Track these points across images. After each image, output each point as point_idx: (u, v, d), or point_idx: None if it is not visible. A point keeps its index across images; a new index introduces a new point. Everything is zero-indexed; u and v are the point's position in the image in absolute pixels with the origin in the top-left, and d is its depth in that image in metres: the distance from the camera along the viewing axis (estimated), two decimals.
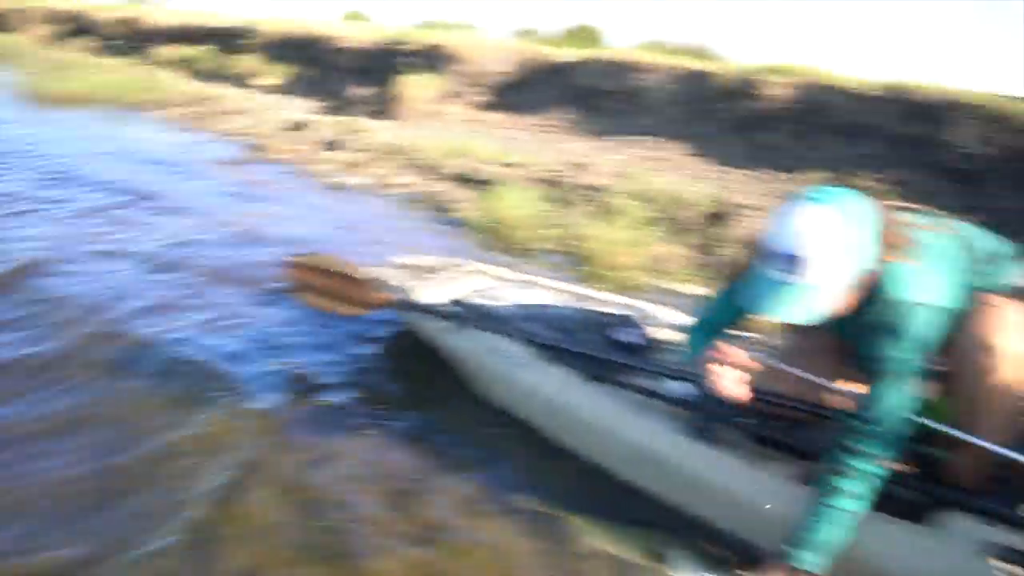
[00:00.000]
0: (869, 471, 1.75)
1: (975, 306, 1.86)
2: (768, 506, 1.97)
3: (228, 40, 14.52)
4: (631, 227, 4.65)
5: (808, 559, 1.76)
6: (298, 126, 8.69)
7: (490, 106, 10.13)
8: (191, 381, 2.74)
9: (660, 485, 2.22)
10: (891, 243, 1.74)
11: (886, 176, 7.02)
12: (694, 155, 7.87)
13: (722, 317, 2.12)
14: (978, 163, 6.85)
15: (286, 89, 12.36)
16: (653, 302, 3.12)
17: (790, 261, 1.65)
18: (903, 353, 1.71)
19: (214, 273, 3.85)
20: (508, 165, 7.00)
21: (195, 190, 5.75)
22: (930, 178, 6.98)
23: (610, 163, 7.36)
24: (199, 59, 14.35)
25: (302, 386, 2.80)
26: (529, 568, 1.95)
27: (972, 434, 1.81)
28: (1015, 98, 7.13)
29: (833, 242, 1.63)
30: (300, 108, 10.86)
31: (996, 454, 1.81)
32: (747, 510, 2.02)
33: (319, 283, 3.03)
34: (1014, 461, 1.81)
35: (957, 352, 1.82)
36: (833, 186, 1.76)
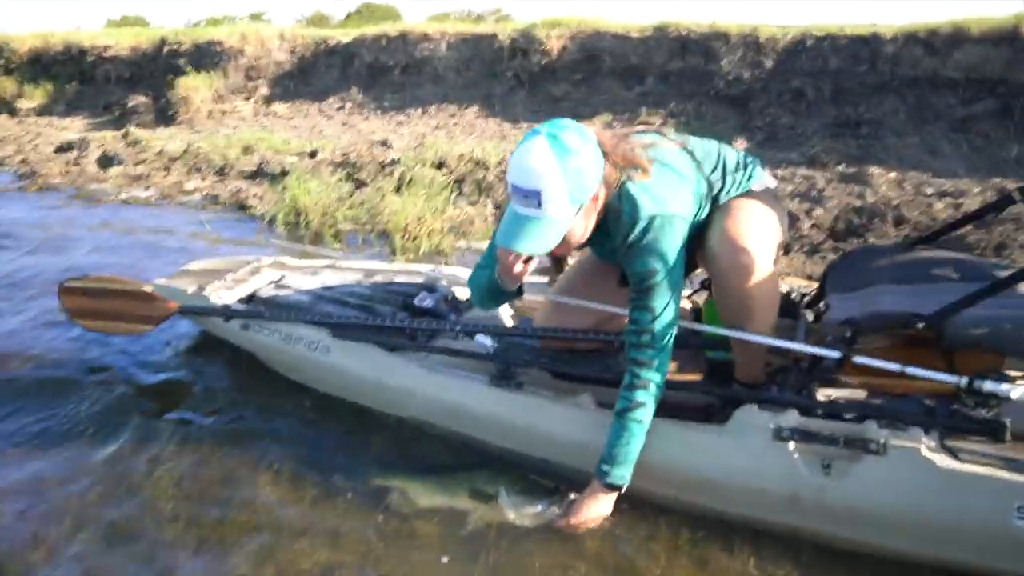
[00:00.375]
0: (653, 380, 1.86)
1: (720, 211, 2.01)
2: (576, 434, 2.05)
3: None
4: (430, 196, 4.68)
5: (617, 474, 1.86)
6: (71, 146, 8.00)
7: (277, 97, 9.79)
8: None
9: (478, 435, 2.27)
10: (622, 163, 1.83)
11: (666, 110, 7.46)
12: (485, 116, 8.01)
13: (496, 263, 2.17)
14: (745, 87, 7.42)
15: (54, 108, 11.33)
16: (455, 264, 3.16)
17: (526, 195, 1.72)
18: (655, 264, 1.81)
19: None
20: (302, 154, 6.81)
21: None
22: (705, 105, 7.48)
23: (405, 135, 7.34)
24: None
25: (98, 413, 2.61)
26: (362, 539, 1.93)
27: (741, 331, 1.95)
28: (772, 24, 7.74)
29: (560, 170, 1.70)
30: (72, 127, 10.01)
31: (766, 346, 1.98)
32: (559, 442, 2.09)
33: (97, 306, 2.84)
34: (783, 349, 1.99)
35: (710, 256, 1.94)
36: (562, 119, 1.82)
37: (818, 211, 4.42)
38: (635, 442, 1.86)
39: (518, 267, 1.91)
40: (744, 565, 1.81)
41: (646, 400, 1.85)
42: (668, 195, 1.83)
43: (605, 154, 1.80)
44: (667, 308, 1.84)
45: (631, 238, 1.81)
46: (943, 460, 1.69)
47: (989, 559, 1.67)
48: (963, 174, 5.29)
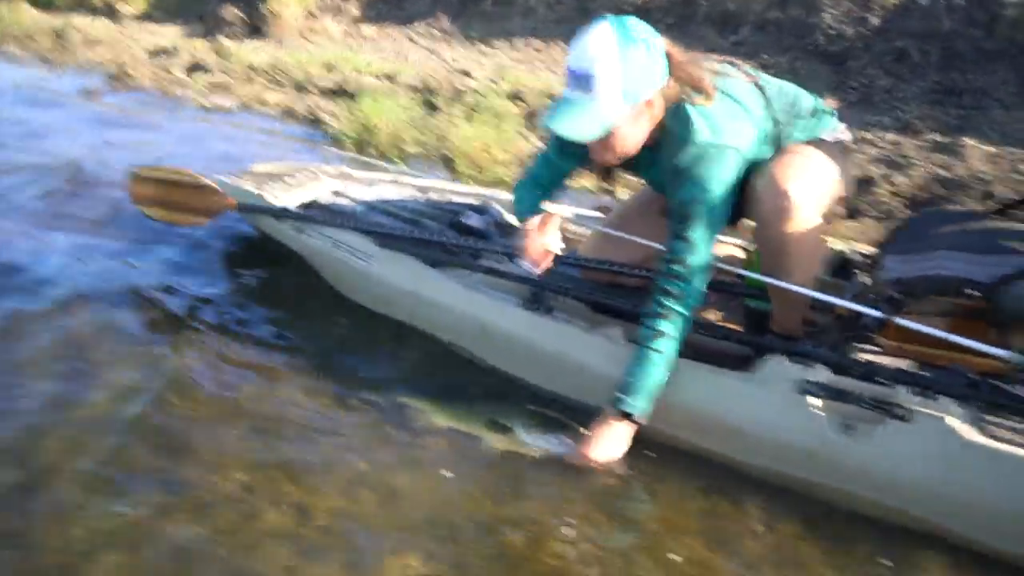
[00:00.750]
0: (678, 311, 1.82)
1: (777, 153, 1.92)
2: (603, 368, 2.02)
3: None
4: (500, 126, 4.63)
5: (631, 403, 1.82)
6: (163, 52, 8.21)
7: (367, 19, 9.77)
8: (40, 304, 2.63)
9: (501, 359, 2.27)
10: (687, 81, 1.76)
11: (759, 61, 7.14)
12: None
13: (546, 172, 2.13)
14: (846, 43, 7.03)
15: (153, 15, 11.60)
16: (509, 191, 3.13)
17: (579, 78, 1.67)
18: (700, 194, 1.74)
19: (67, 200, 3.67)
20: (383, 76, 6.81)
21: (49, 121, 5.40)
22: (801, 60, 7.13)
23: (488, 66, 7.25)
24: None
25: (157, 300, 2.73)
26: (368, 446, 1.97)
27: (782, 280, 1.88)
28: None
29: (618, 57, 1.65)
30: (167, 34, 10.25)
31: (805, 299, 1.91)
32: (582, 372, 2.08)
33: (161, 194, 2.94)
34: (822, 303, 1.92)
35: (754, 197, 1.86)
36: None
37: (899, 178, 4.19)
38: (654, 372, 1.82)
39: (542, 258, 1.99)
40: (750, 519, 1.77)
41: (668, 330, 1.81)
42: (727, 125, 1.76)
43: (671, 67, 1.74)
44: (705, 242, 1.79)
45: (680, 163, 1.76)
46: (969, 433, 1.61)
47: (1004, 541, 1.60)
48: None
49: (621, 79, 1.66)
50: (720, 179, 1.75)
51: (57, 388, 2.16)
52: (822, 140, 1.98)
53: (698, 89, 1.77)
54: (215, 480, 1.82)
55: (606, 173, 2.16)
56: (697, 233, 1.77)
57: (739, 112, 1.80)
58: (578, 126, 1.71)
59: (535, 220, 2.05)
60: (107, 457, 1.88)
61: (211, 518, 1.70)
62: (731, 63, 1.97)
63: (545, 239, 2.02)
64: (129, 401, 2.11)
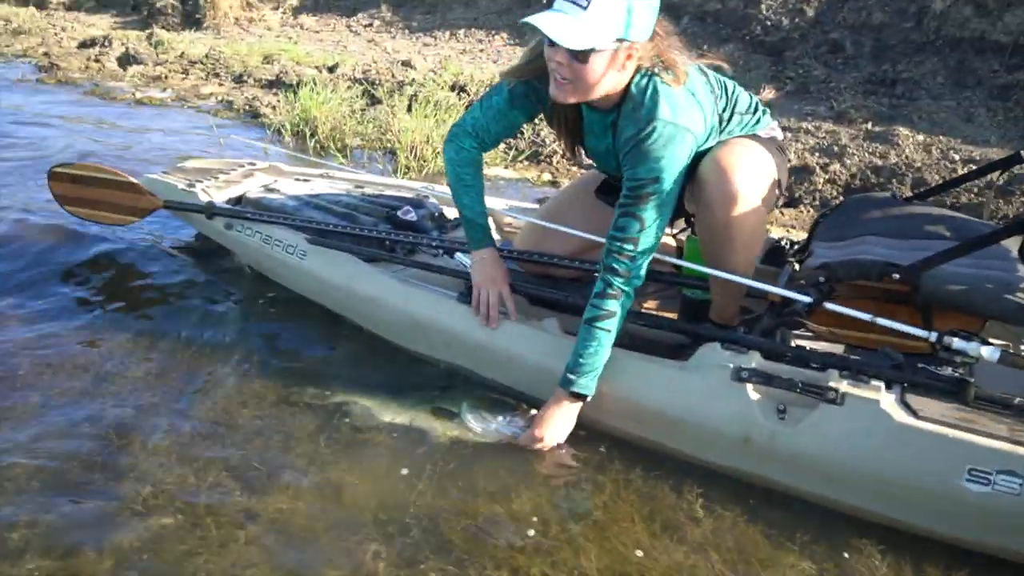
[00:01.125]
0: (625, 291, 1.81)
1: (717, 144, 1.93)
2: (540, 359, 2.01)
3: None
4: (441, 117, 4.59)
5: (582, 384, 1.83)
6: (94, 42, 7.95)
7: (306, 9, 9.63)
8: None
9: (441, 352, 2.24)
10: (662, 55, 1.74)
11: (697, 52, 7.22)
12: (513, 44, 7.81)
13: (494, 125, 2.03)
14: (783, 34, 7.16)
15: (83, 4, 11.23)
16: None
17: None
18: (658, 172, 1.73)
19: None
20: (323, 67, 6.70)
21: None
22: (739, 51, 7.25)
23: (430, 58, 7.19)
24: None
25: (75, 298, 2.64)
26: (313, 444, 1.92)
27: (718, 268, 1.90)
28: None
29: None
30: (98, 24, 9.93)
31: (743, 287, 1.93)
32: (519, 364, 2.06)
33: (85, 193, 2.84)
34: (760, 291, 1.93)
35: (698, 183, 1.87)
36: None
37: (835, 166, 4.28)
38: (602, 352, 1.83)
39: (491, 310, 2.06)
40: (691, 505, 1.77)
41: (616, 310, 1.81)
42: (686, 110, 1.76)
43: (653, 35, 1.72)
44: (655, 223, 1.78)
45: (641, 136, 1.73)
46: (900, 415, 1.63)
47: (936, 521, 1.63)
48: (996, 143, 5.09)
49: (618, 9, 1.62)
50: (678, 160, 1.74)
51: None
52: (757, 136, 2.01)
53: (668, 68, 1.75)
54: (158, 483, 1.76)
55: (571, 149, 2.12)
56: (650, 213, 1.76)
57: (694, 102, 1.80)
58: (564, 31, 1.61)
59: (485, 265, 2.10)
60: (48, 473, 1.81)
61: (154, 521, 1.64)
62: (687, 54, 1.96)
63: (498, 288, 2.08)
64: (68, 408, 2.03)
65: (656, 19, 1.71)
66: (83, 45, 7.99)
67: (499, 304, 2.08)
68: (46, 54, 7.59)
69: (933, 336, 1.67)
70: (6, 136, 4.67)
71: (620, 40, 1.65)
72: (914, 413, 1.64)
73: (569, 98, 1.77)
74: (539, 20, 1.62)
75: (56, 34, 8.79)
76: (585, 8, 1.61)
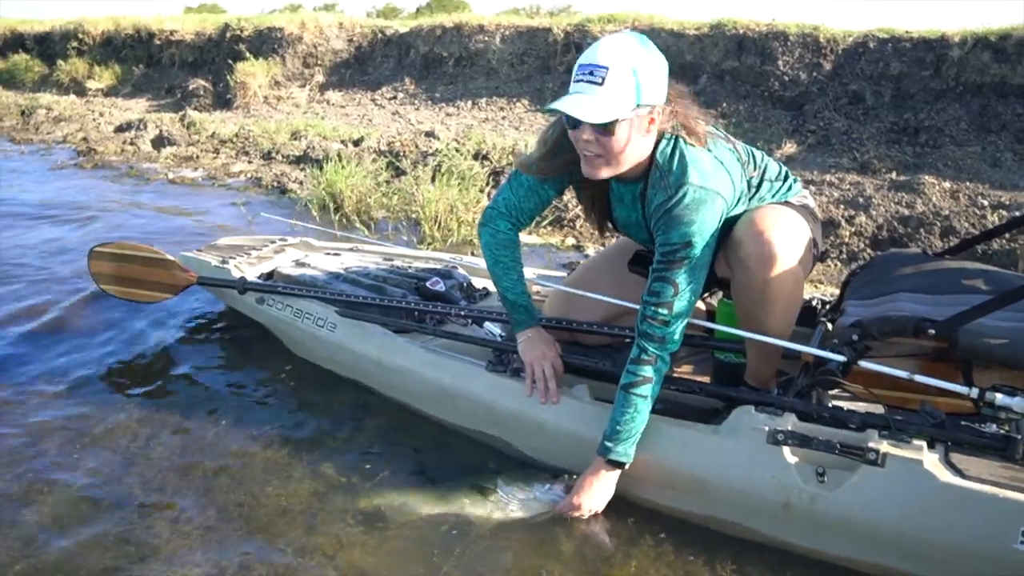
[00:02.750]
0: (658, 356, 1.80)
1: (750, 209, 1.94)
2: (571, 426, 1.99)
3: (52, 44, 13.58)
4: (465, 186, 4.66)
5: (621, 451, 1.81)
6: (130, 126, 8.25)
7: (332, 85, 9.92)
8: (9, 388, 2.59)
9: (471, 421, 2.23)
10: (680, 117, 1.77)
11: (718, 110, 7.31)
12: (534, 111, 7.96)
13: (527, 201, 2.06)
14: (800, 88, 7.22)
15: (120, 90, 11.71)
16: (480, 256, 3.13)
17: (592, 71, 1.65)
18: (690, 236, 1.74)
19: (32, 282, 3.62)
20: (349, 141, 6.87)
21: (14, 202, 5.36)
22: (759, 106, 7.31)
23: (453, 127, 7.35)
24: (22, 68, 13.36)
25: (106, 377, 2.68)
26: (340, 525, 1.89)
27: (752, 331, 1.88)
28: (834, 26, 7.52)
29: (636, 56, 1.64)
30: (134, 108, 10.32)
31: (779, 349, 1.91)
32: (550, 432, 2.04)
33: (122, 271, 2.91)
34: (793, 352, 1.90)
35: (734, 245, 1.87)
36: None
37: (861, 218, 4.26)
38: (639, 418, 1.81)
39: (548, 383, 2.05)
40: None
41: (652, 376, 1.80)
42: (714, 174, 1.77)
43: (668, 98, 1.75)
44: (689, 288, 1.78)
45: (671, 202, 1.74)
46: (945, 475, 1.58)
47: None
48: None
49: (634, 77, 1.64)
50: (710, 223, 1.75)
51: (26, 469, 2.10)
52: (789, 202, 2.01)
53: (689, 130, 1.78)
54: (183, 564, 1.75)
55: (600, 225, 2.14)
56: (681, 277, 1.77)
57: (721, 167, 1.81)
58: (587, 110, 1.64)
59: (534, 343, 2.09)
60: (60, 557, 1.81)
61: None
62: (708, 122, 1.98)
63: (551, 363, 2.07)
64: (94, 488, 2.04)
65: (667, 82, 1.74)
66: (119, 129, 8.29)
67: (554, 377, 2.06)
68: (84, 139, 7.89)
69: (974, 392, 1.62)
70: (45, 219, 4.82)
71: (639, 105, 1.68)
72: (960, 473, 1.59)
73: (601, 172, 1.79)
74: (563, 105, 1.66)
75: (94, 119, 9.14)
76: (601, 84, 1.64)
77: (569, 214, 4.69)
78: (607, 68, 1.64)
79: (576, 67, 1.71)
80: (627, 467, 1.84)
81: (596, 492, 1.86)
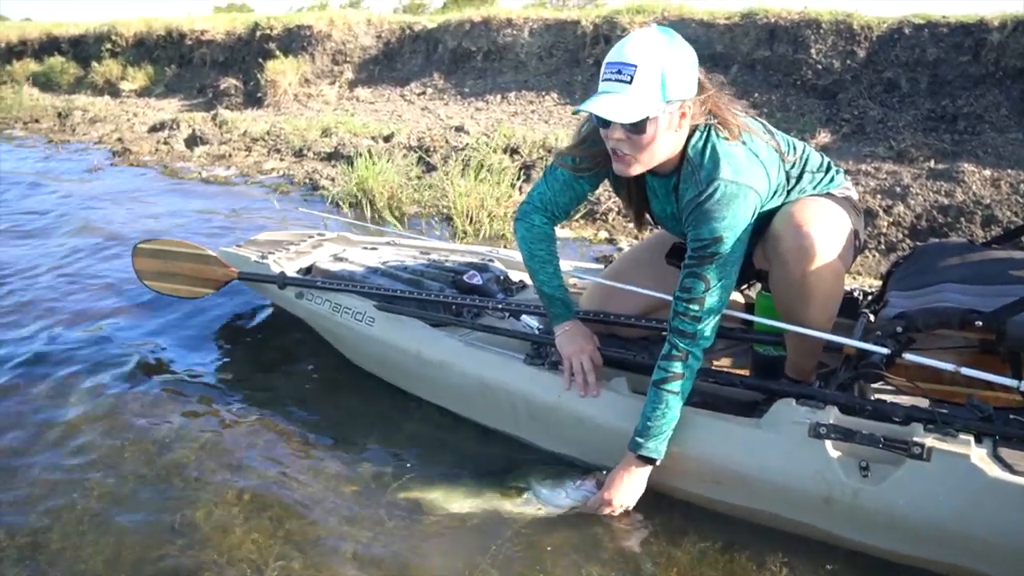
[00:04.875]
0: (689, 352, 1.79)
1: (790, 201, 1.91)
2: (609, 420, 1.98)
3: (86, 47, 13.82)
4: (496, 181, 4.66)
5: (652, 447, 1.79)
6: (163, 126, 8.37)
7: (361, 82, 9.97)
8: (50, 382, 2.66)
9: (509, 415, 2.23)
10: (714, 110, 1.76)
11: (750, 100, 7.22)
12: (563, 104, 7.93)
13: (563, 196, 2.07)
14: (834, 76, 7.11)
15: (153, 90, 11.87)
16: (513, 249, 3.14)
17: (620, 69, 1.65)
18: (721, 231, 1.72)
19: (71, 279, 3.71)
20: (379, 137, 6.91)
21: (52, 201, 5.48)
22: (791, 96, 7.21)
23: (482, 121, 7.35)
24: (57, 71, 13.61)
25: (146, 371, 2.74)
26: (375, 522, 1.91)
27: (799, 323, 1.85)
28: (867, 13, 7.39)
29: (663, 53, 1.64)
30: (167, 108, 10.46)
31: (820, 342, 1.89)
32: (588, 425, 2.03)
33: (164, 267, 2.97)
34: (835, 344, 1.88)
35: (772, 239, 1.86)
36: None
37: (899, 208, 4.19)
38: (671, 414, 1.80)
39: (588, 376, 2.03)
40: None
41: (684, 372, 1.79)
42: (747, 168, 1.75)
43: (700, 89, 1.73)
44: (721, 282, 1.76)
45: (702, 197, 1.73)
46: (994, 470, 1.56)
47: None
48: None
49: (662, 74, 1.64)
50: (741, 218, 1.73)
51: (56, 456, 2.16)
52: (831, 194, 1.99)
53: (723, 122, 1.77)
54: (223, 554, 1.78)
55: (638, 219, 2.15)
56: (712, 272, 1.75)
57: (755, 160, 1.79)
58: (617, 110, 1.64)
59: (572, 336, 2.09)
60: (98, 549, 1.85)
61: None
62: (746, 113, 1.96)
63: (588, 356, 2.07)
64: (132, 484, 2.09)
65: (697, 74, 1.73)
66: (153, 129, 8.42)
67: (592, 370, 2.06)
68: (119, 139, 8.02)
69: None
70: (84, 218, 4.92)
71: (669, 102, 1.67)
72: (1009, 468, 1.56)
73: (633, 169, 1.79)
74: (593, 106, 1.67)
75: (128, 120, 9.29)
76: (630, 83, 1.64)
77: (602, 207, 4.67)
78: (635, 66, 1.64)
79: (604, 65, 1.71)
80: (658, 463, 1.83)
81: (627, 488, 1.85)
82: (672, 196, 1.90)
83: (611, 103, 1.65)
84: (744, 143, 1.78)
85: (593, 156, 1.94)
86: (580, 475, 1.98)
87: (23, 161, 7.36)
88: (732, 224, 1.72)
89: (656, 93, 1.65)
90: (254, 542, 1.84)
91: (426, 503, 1.99)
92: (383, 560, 1.78)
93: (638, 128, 1.68)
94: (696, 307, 1.77)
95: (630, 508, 1.88)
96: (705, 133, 1.77)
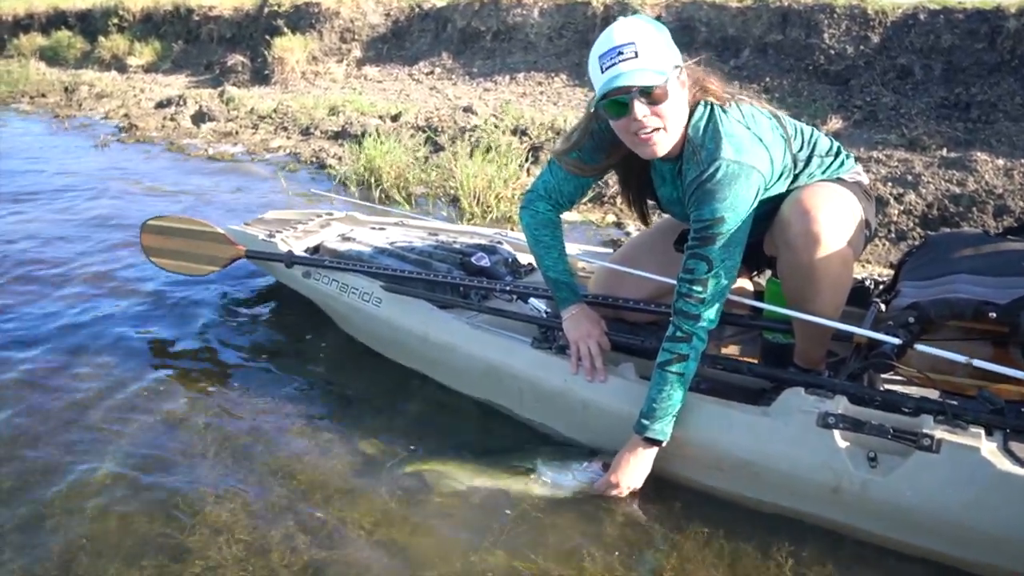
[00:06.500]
0: (693, 333, 1.78)
1: (799, 187, 1.90)
2: (615, 405, 1.98)
3: (93, 21, 13.73)
4: (504, 162, 4.63)
5: (657, 429, 1.79)
6: (170, 102, 8.33)
7: (369, 61, 9.90)
8: (57, 359, 2.66)
9: (515, 398, 2.23)
10: (697, 80, 1.78)
11: (761, 84, 7.16)
12: (572, 85, 7.86)
13: (568, 184, 2.08)
14: (847, 62, 7.04)
15: (160, 66, 11.81)
16: (514, 230, 3.12)
17: (621, 49, 1.66)
18: (723, 211, 1.71)
19: (78, 256, 3.70)
20: (387, 116, 6.87)
21: (59, 175, 5.47)
22: (803, 81, 7.14)
23: (491, 102, 7.30)
24: (64, 45, 13.54)
25: (152, 350, 2.75)
26: (377, 501, 1.91)
27: (807, 310, 1.84)
28: None
29: (653, 28, 1.69)
30: (174, 84, 10.41)
31: (829, 330, 1.88)
32: (594, 410, 2.03)
33: (172, 245, 2.96)
34: (845, 333, 1.86)
35: (780, 225, 1.84)
36: None
37: (911, 196, 4.15)
38: (676, 396, 1.79)
39: (595, 360, 2.03)
40: (780, 567, 1.69)
41: (689, 353, 1.79)
42: (750, 148, 1.75)
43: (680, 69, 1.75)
44: (725, 262, 1.75)
45: (704, 176, 1.72)
46: (1004, 463, 1.54)
47: None
48: None
49: (658, 44, 1.67)
50: (744, 198, 1.73)
51: (62, 439, 2.17)
52: (841, 179, 1.97)
53: (706, 89, 1.78)
54: (223, 539, 1.79)
55: (641, 212, 2.16)
56: (715, 253, 1.74)
57: (757, 141, 1.78)
58: (640, 76, 1.65)
59: (578, 320, 2.08)
60: (106, 526, 1.86)
61: (222, 571, 1.68)
62: (751, 97, 1.95)
63: (596, 340, 2.05)
64: (133, 468, 2.08)
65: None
66: (160, 105, 8.38)
67: (600, 355, 2.05)
68: (126, 115, 7.99)
69: None
70: (90, 194, 4.91)
71: (675, 67, 1.71)
72: (1020, 462, 1.55)
73: (662, 146, 1.77)
74: (619, 81, 1.66)
75: (135, 96, 9.24)
76: (636, 56, 1.66)
77: (610, 191, 4.64)
78: (632, 43, 1.65)
79: (598, 59, 1.70)
80: (664, 445, 1.82)
81: (633, 470, 1.85)
82: (677, 180, 1.88)
83: (634, 74, 1.65)
84: (747, 126, 1.77)
85: (596, 151, 1.97)
86: (586, 456, 1.97)
87: (29, 135, 7.34)
88: (734, 204, 1.71)
89: (661, 61, 1.67)
90: (257, 522, 1.84)
91: (431, 482, 1.99)
92: (387, 540, 1.78)
93: (659, 97, 1.68)
94: (699, 288, 1.76)
95: (636, 490, 1.88)
96: (707, 112, 1.77)
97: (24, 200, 4.80)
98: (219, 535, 1.80)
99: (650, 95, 1.66)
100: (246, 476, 2.02)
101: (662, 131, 1.73)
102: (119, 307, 3.12)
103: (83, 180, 5.33)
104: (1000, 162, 4.72)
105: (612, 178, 4.64)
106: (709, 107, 1.77)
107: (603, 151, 1.94)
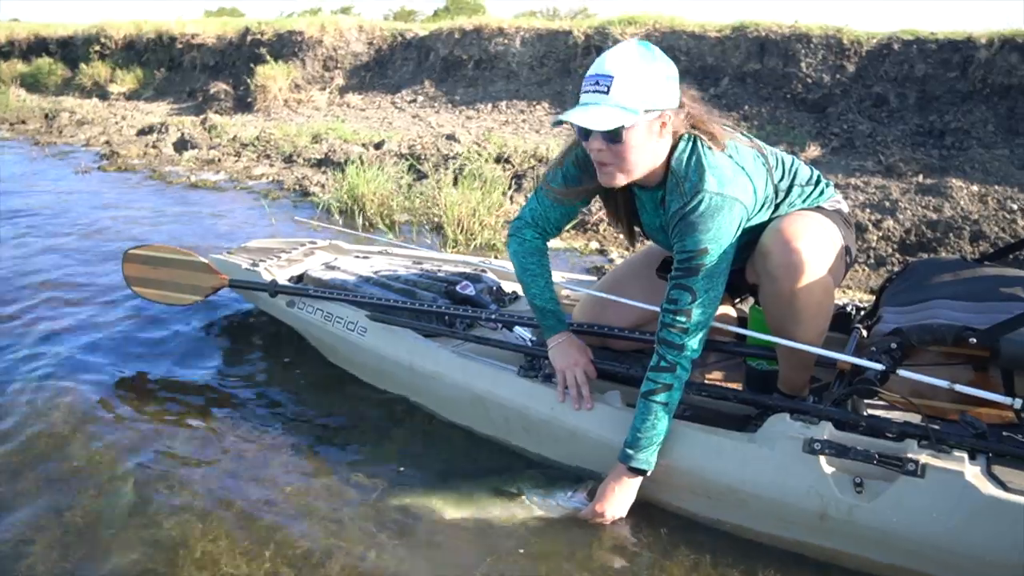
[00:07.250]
0: (677, 363, 1.79)
1: (779, 217, 1.92)
2: (601, 433, 1.98)
3: (74, 48, 13.73)
4: (487, 190, 4.65)
5: (642, 459, 1.79)
6: (152, 129, 8.31)
7: (352, 88, 9.95)
8: (34, 395, 2.60)
9: (501, 427, 2.22)
10: (695, 120, 1.79)
11: (740, 112, 7.27)
12: (554, 113, 7.94)
13: (553, 212, 2.10)
14: (824, 91, 7.17)
15: (142, 93, 11.81)
16: (505, 259, 3.12)
17: (598, 80, 1.68)
18: (706, 243, 1.73)
19: (59, 285, 3.66)
20: (370, 144, 6.89)
21: (37, 205, 5.42)
22: (781, 109, 7.27)
23: (473, 130, 7.34)
24: (45, 72, 13.50)
25: (131, 381, 2.71)
26: (364, 531, 1.88)
27: (790, 337, 1.85)
28: (858, 28, 7.46)
29: (639, 65, 1.69)
30: (156, 111, 10.40)
31: (812, 357, 1.89)
32: (581, 438, 2.02)
33: (155, 274, 2.93)
34: (824, 358, 1.88)
35: (761, 254, 1.85)
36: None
37: (888, 222, 4.22)
38: (660, 426, 1.80)
39: (582, 388, 2.03)
40: None
41: (673, 382, 1.79)
42: (733, 180, 1.76)
43: (681, 102, 1.76)
44: (708, 292, 1.77)
45: (687, 208, 1.74)
46: (988, 487, 1.56)
47: None
48: None
49: (638, 84, 1.68)
50: (726, 229, 1.74)
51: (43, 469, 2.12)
52: (821, 207, 2.00)
53: (705, 131, 1.79)
54: (212, 564, 1.75)
55: (628, 232, 2.16)
56: (699, 284, 1.76)
57: (741, 172, 1.80)
58: (593, 118, 1.67)
59: (564, 349, 2.09)
60: (94, 554, 1.82)
61: None
62: (733, 127, 1.98)
63: (583, 369, 2.06)
64: (116, 494, 2.05)
65: (679, 87, 1.76)
66: (141, 132, 8.36)
67: (586, 383, 2.06)
68: (107, 142, 7.96)
69: (1017, 403, 1.60)
70: (71, 222, 4.87)
71: (647, 111, 1.70)
72: (1003, 485, 1.57)
73: (617, 180, 1.80)
74: (571, 116, 1.70)
75: (117, 123, 9.23)
76: (607, 93, 1.67)
77: (593, 218, 4.68)
78: (612, 77, 1.67)
79: (584, 79, 1.74)
80: (649, 474, 1.82)
81: (618, 499, 1.85)
82: (660, 209, 1.90)
83: (589, 113, 1.68)
84: (730, 155, 1.79)
85: (578, 191, 2.01)
86: (572, 484, 1.97)
87: (9, 163, 7.29)
88: (717, 236, 1.73)
89: (633, 102, 1.68)
90: (242, 554, 1.81)
91: (416, 509, 1.97)
92: (375, 571, 1.76)
93: (615, 137, 1.70)
94: (683, 319, 1.77)
95: (622, 518, 1.88)
96: (690, 144, 1.79)
97: (5, 229, 4.75)
98: (203, 569, 1.76)
99: (608, 134, 1.70)
100: (229, 508, 1.99)
101: (616, 167, 1.77)
102: (97, 337, 3.08)
103: (63, 208, 5.30)
104: (974, 188, 4.82)
105: (596, 205, 4.69)
106: (693, 139, 1.79)
107: (588, 172, 1.95)
